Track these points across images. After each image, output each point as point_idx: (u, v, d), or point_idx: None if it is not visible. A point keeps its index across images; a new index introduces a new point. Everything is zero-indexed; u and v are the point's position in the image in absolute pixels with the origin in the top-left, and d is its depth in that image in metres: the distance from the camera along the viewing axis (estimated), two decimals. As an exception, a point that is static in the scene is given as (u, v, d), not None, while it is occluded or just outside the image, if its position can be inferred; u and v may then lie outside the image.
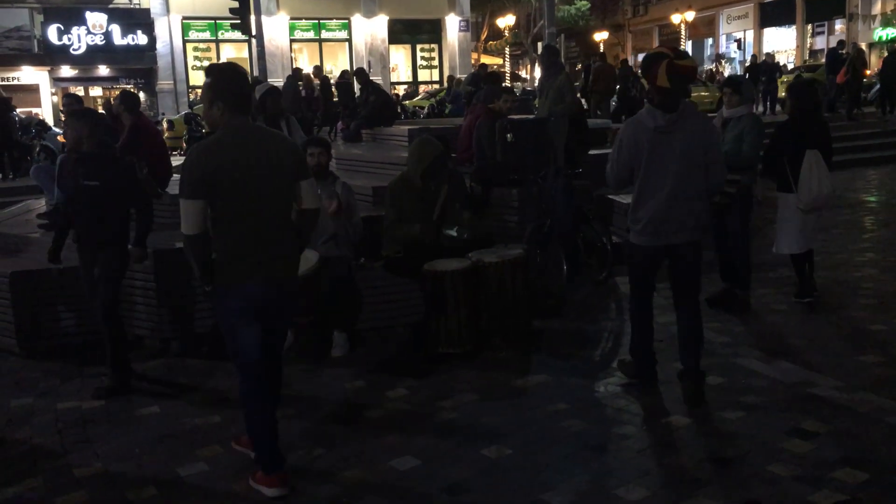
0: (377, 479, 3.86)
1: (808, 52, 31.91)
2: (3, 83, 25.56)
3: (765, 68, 21.22)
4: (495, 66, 31.90)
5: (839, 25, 30.68)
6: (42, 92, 26.70)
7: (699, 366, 4.57)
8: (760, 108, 19.80)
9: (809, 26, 32.32)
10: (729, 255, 6.32)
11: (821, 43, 31.20)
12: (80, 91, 29.15)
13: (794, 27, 32.56)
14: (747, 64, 23.75)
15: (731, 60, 34.63)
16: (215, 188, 3.54)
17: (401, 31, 31.83)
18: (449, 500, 3.66)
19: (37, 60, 26.96)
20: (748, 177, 6.10)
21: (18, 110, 16.36)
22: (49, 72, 27.43)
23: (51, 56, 26.83)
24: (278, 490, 3.74)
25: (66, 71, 27.87)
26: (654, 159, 4.36)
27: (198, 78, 29.57)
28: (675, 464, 3.91)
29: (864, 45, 22.82)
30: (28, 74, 27.27)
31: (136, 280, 6.03)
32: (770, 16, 33.92)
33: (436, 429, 4.41)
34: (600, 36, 41.70)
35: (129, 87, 28.66)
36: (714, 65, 33.58)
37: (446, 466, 3.94)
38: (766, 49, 31.02)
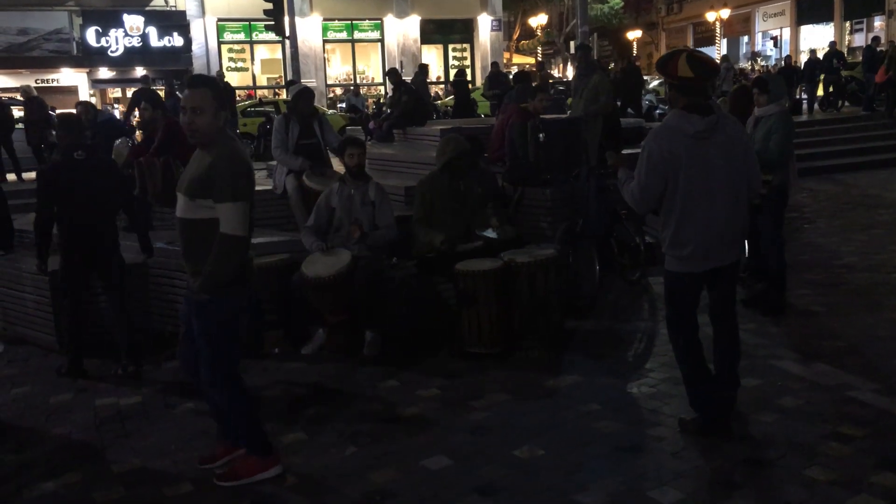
0: (409, 478, 3.87)
1: (846, 49, 31.38)
2: (43, 85, 26.01)
3: (827, 59, 19.68)
4: (527, 66, 31.78)
5: (878, 22, 30.10)
6: (81, 93, 27.08)
7: (737, 375, 4.35)
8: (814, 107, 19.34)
9: (848, 23, 31.76)
10: (763, 256, 6.25)
11: (859, 40, 30.62)
12: (117, 92, 29.65)
13: (831, 24, 32.02)
14: (801, 60, 22.28)
15: (767, 58, 34.12)
16: (250, 192, 3.66)
17: (433, 31, 31.85)
18: (481, 500, 3.65)
19: (75, 62, 27.40)
20: (780, 176, 6.03)
21: (58, 111, 16.66)
22: (87, 73, 27.87)
23: (89, 58, 27.26)
24: (280, 467, 3.93)
25: (104, 73, 28.30)
26: (694, 171, 3.81)
27: (233, 79, 29.84)
28: (709, 466, 3.87)
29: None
30: (67, 76, 27.73)
31: (174, 278, 6.11)
32: (807, 13, 33.37)
33: (468, 428, 4.41)
34: (634, 34, 41.39)
35: (161, 89, 29.06)
36: (749, 63, 33.10)
37: (478, 466, 3.95)
38: (804, 46, 30.55)
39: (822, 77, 19.71)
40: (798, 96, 19.81)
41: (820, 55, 21.75)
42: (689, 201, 3.85)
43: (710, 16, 36.05)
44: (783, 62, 22.32)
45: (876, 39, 20.82)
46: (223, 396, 3.84)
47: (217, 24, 28.79)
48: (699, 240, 3.89)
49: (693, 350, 4.12)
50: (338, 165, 7.09)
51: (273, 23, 19.00)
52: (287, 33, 19.40)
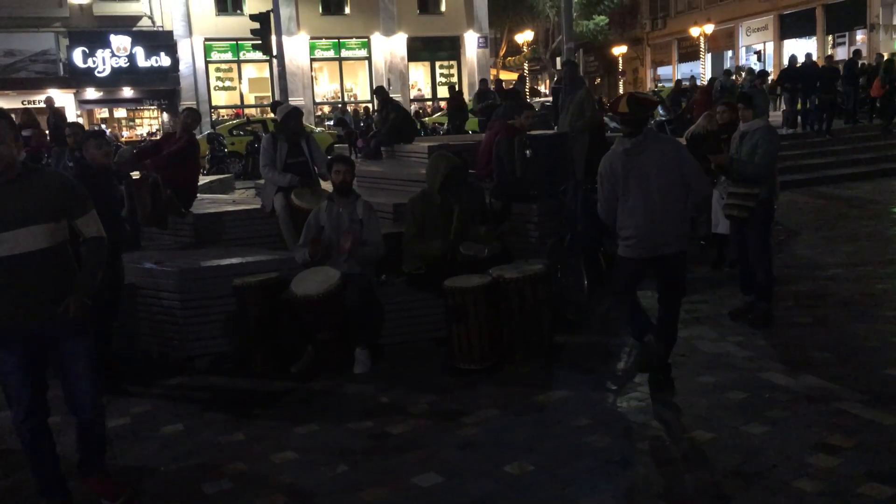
0: (400, 496, 3.87)
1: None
2: (31, 106, 25.94)
3: (825, 72, 17.39)
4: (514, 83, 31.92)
5: (860, 36, 30.46)
6: (68, 114, 27.05)
7: (669, 347, 5.08)
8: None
9: (830, 37, 32.12)
10: (751, 268, 6.28)
11: (842, 54, 30.98)
12: (104, 113, 29.64)
13: (814, 38, 32.37)
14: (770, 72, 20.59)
15: (751, 72, 34.33)
16: None
17: (420, 49, 32.04)
18: (472, 516, 3.66)
19: (62, 83, 27.38)
20: (766, 190, 6.08)
21: (47, 132, 16.64)
22: (74, 94, 27.86)
23: (76, 79, 27.27)
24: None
25: (91, 93, 28.30)
26: (629, 180, 4.83)
27: (220, 98, 29.93)
28: (699, 479, 3.88)
29: (886, 56, 22.42)
30: (54, 97, 27.70)
31: (162, 298, 6.10)
32: (790, 27, 33.71)
33: (458, 444, 4.41)
34: (619, 50, 41.70)
35: (153, 108, 29.12)
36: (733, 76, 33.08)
37: (469, 482, 3.95)
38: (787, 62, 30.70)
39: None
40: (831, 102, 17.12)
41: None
42: (629, 202, 4.86)
43: (695, 31, 36.38)
44: (787, 63, 20.23)
45: (857, 53, 20.94)
46: (103, 418, 3.85)
47: (204, 44, 28.87)
48: (638, 233, 4.86)
49: (634, 306, 5.28)
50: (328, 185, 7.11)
51: (260, 42, 19.08)
52: (274, 52, 19.47)
